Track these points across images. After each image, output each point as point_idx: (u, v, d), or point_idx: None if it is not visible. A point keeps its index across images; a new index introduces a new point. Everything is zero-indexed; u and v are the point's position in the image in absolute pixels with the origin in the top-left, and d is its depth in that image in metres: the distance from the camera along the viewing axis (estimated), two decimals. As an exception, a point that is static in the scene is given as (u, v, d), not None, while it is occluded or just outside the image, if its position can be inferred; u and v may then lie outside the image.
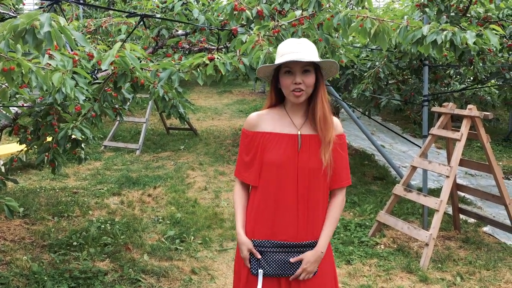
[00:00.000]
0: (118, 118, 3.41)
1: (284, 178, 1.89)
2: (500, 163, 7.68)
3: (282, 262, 1.89)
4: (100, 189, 5.64)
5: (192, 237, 4.35)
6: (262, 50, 3.05)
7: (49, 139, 3.25)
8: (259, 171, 1.93)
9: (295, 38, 1.93)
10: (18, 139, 3.42)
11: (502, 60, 5.76)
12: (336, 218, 1.97)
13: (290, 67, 1.86)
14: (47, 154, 3.16)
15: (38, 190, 5.49)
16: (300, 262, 1.90)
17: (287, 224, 1.90)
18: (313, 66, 1.88)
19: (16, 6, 4.37)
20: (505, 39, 5.12)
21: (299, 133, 1.91)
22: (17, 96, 3.12)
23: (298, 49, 1.85)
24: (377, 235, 4.47)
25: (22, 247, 3.98)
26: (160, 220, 4.76)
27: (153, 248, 4.07)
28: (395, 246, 4.30)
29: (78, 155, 3.45)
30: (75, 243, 4.04)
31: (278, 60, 1.87)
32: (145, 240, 4.25)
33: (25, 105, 3.23)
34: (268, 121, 1.95)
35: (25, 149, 3.49)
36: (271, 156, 1.90)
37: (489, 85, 6.65)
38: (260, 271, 1.88)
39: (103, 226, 4.45)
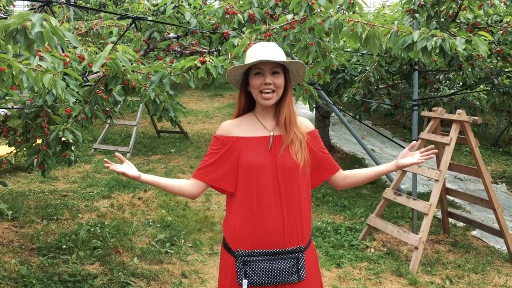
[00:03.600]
0: (109, 121, 3.40)
1: (264, 182, 1.86)
2: (489, 168, 7.75)
3: (269, 270, 1.85)
4: (90, 192, 5.61)
5: (183, 241, 4.34)
6: (253, 54, 3.06)
7: (39, 141, 3.24)
8: (234, 177, 1.90)
9: (264, 42, 1.94)
10: (7, 141, 3.40)
11: (491, 66, 5.83)
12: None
13: (260, 68, 1.87)
14: (37, 156, 3.14)
15: (27, 192, 5.44)
16: (289, 267, 1.86)
17: (273, 230, 1.86)
18: (282, 69, 1.90)
19: (7, 7, 4.35)
20: (493, 45, 5.19)
21: (271, 133, 1.91)
22: (6, 98, 3.11)
23: (268, 51, 1.87)
24: (367, 238, 4.49)
25: (10, 250, 3.94)
26: (150, 223, 4.74)
27: (143, 252, 4.05)
28: (385, 249, 4.32)
29: (68, 157, 3.44)
30: (64, 246, 4.01)
31: (248, 62, 1.88)
32: (135, 243, 4.23)
33: (14, 107, 3.21)
34: (240, 127, 1.94)
35: (15, 151, 3.47)
36: (247, 159, 1.88)
37: (478, 90, 6.72)
38: (245, 281, 1.84)
39: (92, 229, 4.42)
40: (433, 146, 2.06)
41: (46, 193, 5.47)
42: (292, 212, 1.88)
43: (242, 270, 1.85)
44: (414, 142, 2.19)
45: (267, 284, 1.86)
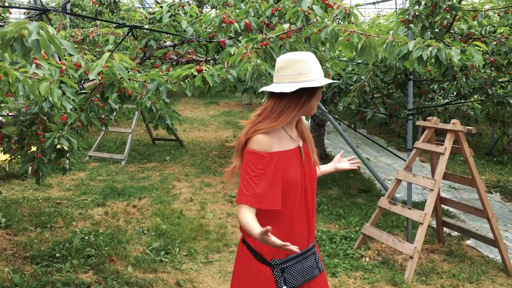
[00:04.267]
0: (104, 128, 3.39)
1: (299, 193, 1.93)
2: (483, 177, 7.78)
3: (302, 270, 1.95)
4: (84, 199, 5.58)
5: (177, 249, 4.32)
6: (250, 63, 3.08)
7: (33, 148, 3.22)
8: (280, 193, 1.87)
9: (312, 55, 1.93)
10: (1, 148, 3.38)
11: (485, 76, 5.89)
12: None
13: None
14: (31, 164, 3.12)
15: (20, 200, 5.41)
16: (312, 263, 1.99)
17: (302, 234, 1.97)
18: None
19: (3, 15, 4.35)
20: (487, 55, 5.24)
21: (300, 144, 1.98)
22: (1, 105, 3.10)
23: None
24: (362, 247, 4.49)
25: (3, 258, 3.91)
26: (145, 231, 4.72)
27: (137, 260, 4.03)
28: (380, 258, 4.32)
29: (62, 165, 3.43)
30: (58, 255, 3.98)
31: (323, 80, 1.90)
32: (129, 251, 4.21)
33: (10, 114, 3.20)
34: (275, 141, 1.89)
35: (9, 158, 3.46)
36: (290, 174, 1.89)
37: (472, 100, 6.76)
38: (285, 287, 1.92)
39: (86, 237, 4.40)
40: (355, 156, 2.29)
41: (40, 201, 5.44)
42: (312, 214, 2.02)
43: (281, 278, 1.91)
44: (342, 151, 2.49)
45: (301, 284, 1.96)
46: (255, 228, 1.74)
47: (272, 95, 1.91)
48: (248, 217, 1.79)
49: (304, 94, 1.88)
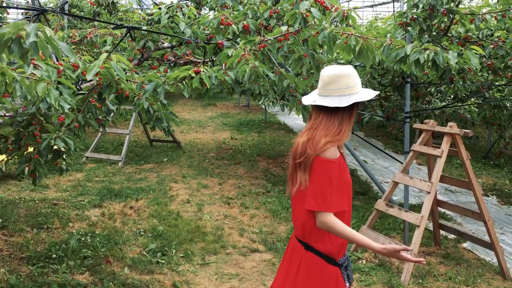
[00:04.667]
0: (101, 129, 3.39)
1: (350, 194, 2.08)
2: (480, 180, 7.80)
3: (350, 266, 2.14)
4: (81, 201, 5.57)
5: (174, 250, 4.31)
6: (248, 64, 3.08)
7: (30, 149, 3.22)
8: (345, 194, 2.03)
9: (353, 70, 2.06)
10: (-2, 149, 3.37)
11: (482, 79, 5.90)
12: None
13: None
14: (28, 164, 3.12)
15: (17, 201, 5.39)
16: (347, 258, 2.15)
17: None
18: None
19: (1, 15, 4.34)
20: (484, 58, 5.25)
21: (342, 151, 2.09)
22: (-2, 105, 3.10)
23: None
24: (359, 250, 4.49)
25: (-1, 259, 3.90)
26: (141, 232, 4.71)
27: (134, 261, 4.02)
28: (377, 261, 4.32)
29: (59, 166, 3.42)
30: (54, 256, 3.97)
31: (372, 91, 2.04)
32: (126, 253, 4.20)
33: (7, 114, 3.20)
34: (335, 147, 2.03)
35: (5, 159, 3.45)
36: (349, 177, 2.05)
37: (469, 103, 6.79)
38: (347, 284, 2.08)
39: (83, 238, 4.39)
40: None
41: (37, 202, 5.42)
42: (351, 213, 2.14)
43: (346, 275, 2.09)
44: None
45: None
46: (369, 241, 1.92)
47: (323, 107, 1.98)
48: (348, 228, 1.92)
49: (355, 106, 2.02)
